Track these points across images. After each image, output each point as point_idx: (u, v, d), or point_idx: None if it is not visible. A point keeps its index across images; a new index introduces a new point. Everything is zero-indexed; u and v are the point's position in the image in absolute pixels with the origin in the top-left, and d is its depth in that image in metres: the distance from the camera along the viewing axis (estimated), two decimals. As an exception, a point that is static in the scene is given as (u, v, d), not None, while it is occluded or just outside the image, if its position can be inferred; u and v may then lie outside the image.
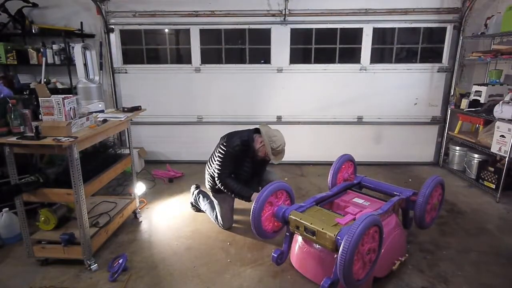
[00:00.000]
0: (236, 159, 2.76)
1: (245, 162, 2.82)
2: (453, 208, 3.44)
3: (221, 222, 2.98)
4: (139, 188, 3.40)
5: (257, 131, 2.83)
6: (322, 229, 2.05)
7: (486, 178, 3.82)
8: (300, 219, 2.19)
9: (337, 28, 4.43)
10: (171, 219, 3.25)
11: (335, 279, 1.94)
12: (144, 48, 4.65)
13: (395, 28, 4.42)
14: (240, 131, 2.85)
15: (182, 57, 4.81)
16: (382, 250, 2.08)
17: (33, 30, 4.29)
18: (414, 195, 2.57)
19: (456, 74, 4.43)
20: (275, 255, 2.34)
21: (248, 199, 2.73)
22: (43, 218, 2.46)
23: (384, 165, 4.74)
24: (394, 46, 4.51)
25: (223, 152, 2.74)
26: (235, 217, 3.10)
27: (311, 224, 2.11)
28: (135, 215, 3.20)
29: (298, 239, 2.41)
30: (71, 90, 4.26)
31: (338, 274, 1.84)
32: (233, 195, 2.79)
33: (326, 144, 4.76)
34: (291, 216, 2.24)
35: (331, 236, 1.99)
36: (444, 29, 4.42)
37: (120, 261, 2.43)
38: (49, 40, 4.41)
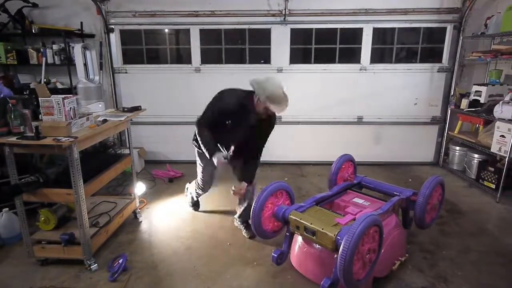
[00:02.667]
0: (224, 115, 2.49)
1: (233, 124, 2.51)
2: (453, 208, 3.44)
3: (201, 185, 2.92)
4: (139, 188, 3.40)
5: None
6: (322, 229, 2.05)
7: (486, 178, 3.82)
8: (300, 219, 2.19)
9: (337, 28, 4.43)
10: (171, 219, 3.25)
11: (335, 279, 1.94)
12: (144, 48, 4.65)
13: (395, 28, 4.42)
14: (237, 90, 2.58)
15: (182, 57, 4.81)
16: (382, 250, 2.08)
17: (33, 30, 4.29)
18: (414, 195, 2.57)
19: (456, 74, 4.43)
20: (275, 255, 2.34)
21: (210, 154, 2.53)
22: (43, 218, 2.46)
23: (384, 165, 4.73)
24: (394, 46, 4.51)
25: (212, 102, 2.55)
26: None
27: (311, 224, 2.11)
28: (135, 215, 3.20)
29: (298, 239, 2.41)
30: (71, 90, 4.26)
31: (338, 274, 1.84)
32: (201, 143, 2.58)
33: (326, 144, 4.76)
34: (291, 216, 2.24)
35: (331, 236, 1.99)
36: (444, 29, 4.42)
37: (120, 261, 2.43)
38: (49, 40, 4.41)
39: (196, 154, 2.94)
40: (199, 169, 2.96)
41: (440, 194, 2.65)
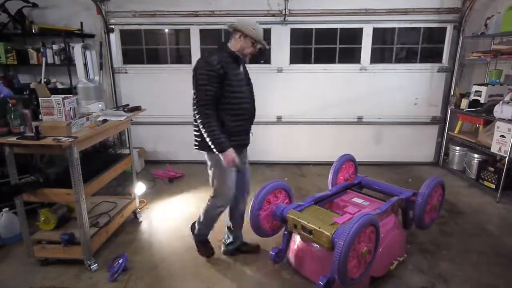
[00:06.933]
0: (223, 79, 2.08)
1: (239, 84, 2.16)
2: (453, 208, 3.44)
3: (220, 193, 2.29)
4: (139, 188, 3.40)
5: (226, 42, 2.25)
6: (319, 228, 2.05)
7: (486, 178, 3.82)
8: (298, 217, 2.19)
9: (337, 28, 4.43)
10: (171, 219, 3.25)
11: (331, 277, 1.95)
12: (144, 48, 4.65)
13: (395, 28, 4.42)
14: (209, 50, 2.24)
15: (182, 57, 4.81)
16: (380, 250, 2.08)
17: (33, 30, 4.29)
18: (413, 195, 2.56)
19: (456, 74, 4.43)
20: (273, 254, 2.35)
21: (220, 148, 2.09)
22: (43, 218, 2.47)
23: (384, 165, 4.73)
24: (394, 46, 4.51)
25: (202, 73, 2.08)
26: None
27: (308, 223, 2.11)
28: (135, 215, 3.20)
29: (297, 238, 2.41)
30: (71, 90, 4.26)
31: (333, 272, 1.84)
32: (208, 137, 2.11)
33: (326, 144, 4.76)
34: (289, 215, 2.24)
35: (327, 235, 1.99)
36: (444, 29, 4.42)
37: (120, 261, 2.43)
38: (49, 40, 4.41)
39: (209, 160, 2.26)
40: (218, 179, 2.25)
41: (440, 195, 2.65)
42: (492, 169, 3.74)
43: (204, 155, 2.29)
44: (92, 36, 4.53)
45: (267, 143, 4.79)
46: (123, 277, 2.36)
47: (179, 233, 2.98)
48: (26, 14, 4.36)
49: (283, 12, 4.35)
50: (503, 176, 3.51)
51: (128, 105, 3.19)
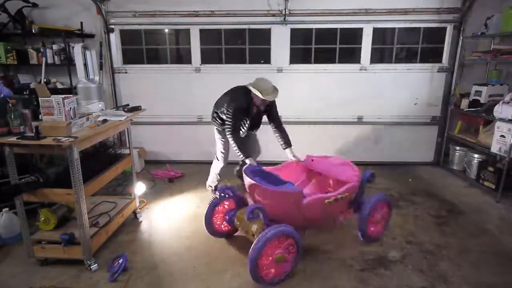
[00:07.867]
0: (242, 116, 3.19)
1: (245, 119, 3.23)
2: (453, 208, 3.44)
3: (222, 158, 3.50)
4: (139, 188, 3.40)
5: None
6: None
7: (486, 178, 3.82)
8: None
9: (337, 28, 4.43)
10: (171, 219, 3.25)
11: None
12: (144, 48, 4.65)
13: (395, 28, 4.42)
14: (241, 96, 3.16)
15: (182, 57, 4.81)
16: None
17: (33, 30, 4.29)
18: None
19: (456, 74, 4.43)
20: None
21: (244, 156, 3.08)
22: (43, 218, 2.47)
23: (385, 165, 4.73)
24: (394, 46, 4.51)
25: (232, 113, 3.09)
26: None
27: None
28: (135, 215, 3.20)
29: None
30: (71, 90, 4.26)
31: None
32: (235, 145, 3.12)
33: (326, 144, 4.76)
34: None
35: None
36: (444, 29, 4.42)
37: (120, 261, 2.43)
38: (49, 40, 4.41)
39: (216, 132, 3.45)
40: (219, 144, 3.46)
41: None
42: (492, 169, 3.74)
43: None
44: (92, 36, 4.53)
45: (267, 143, 4.77)
46: (123, 277, 2.36)
47: (179, 233, 2.98)
48: (26, 14, 4.37)
49: (283, 12, 4.35)
50: (503, 176, 3.51)
51: (128, 105, 3.20)
